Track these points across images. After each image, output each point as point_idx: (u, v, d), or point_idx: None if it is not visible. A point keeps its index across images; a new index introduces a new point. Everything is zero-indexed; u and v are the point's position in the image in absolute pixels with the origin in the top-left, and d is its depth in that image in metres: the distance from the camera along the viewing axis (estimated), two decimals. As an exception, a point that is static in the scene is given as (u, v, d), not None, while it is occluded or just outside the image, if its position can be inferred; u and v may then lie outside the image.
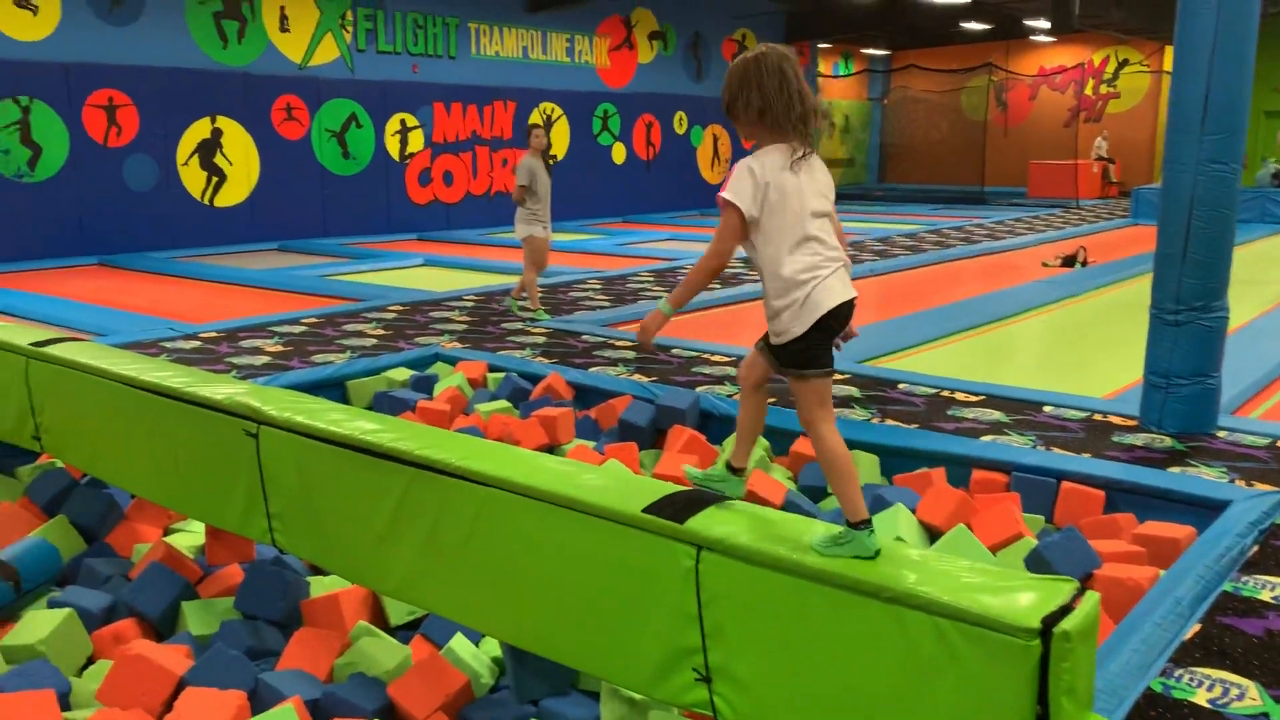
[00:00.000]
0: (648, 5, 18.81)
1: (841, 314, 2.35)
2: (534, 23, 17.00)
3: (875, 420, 5.01)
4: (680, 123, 19.86)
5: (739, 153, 21.40)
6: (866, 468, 4.49)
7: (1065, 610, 1.92)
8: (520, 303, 8.12)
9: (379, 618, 3.49)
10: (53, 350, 4.11)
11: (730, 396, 5.37)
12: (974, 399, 5.42)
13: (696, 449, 4.84)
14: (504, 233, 15.57)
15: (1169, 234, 4.82)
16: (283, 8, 13.63)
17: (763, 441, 4.83)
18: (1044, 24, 20.73)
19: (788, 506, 4.28)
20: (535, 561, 2.60)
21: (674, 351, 6.59)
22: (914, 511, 4.03)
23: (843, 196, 24.22)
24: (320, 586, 3.56)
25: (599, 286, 9.65)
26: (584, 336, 7.10)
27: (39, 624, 3.18)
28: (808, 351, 2.34)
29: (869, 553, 2.14)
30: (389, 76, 14.92)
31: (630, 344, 6.85)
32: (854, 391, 5.56)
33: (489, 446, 2.93)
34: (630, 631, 2.44)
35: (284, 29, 13.67)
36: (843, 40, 25.48)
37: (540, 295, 8.37)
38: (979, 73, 25.16)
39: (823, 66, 25.35)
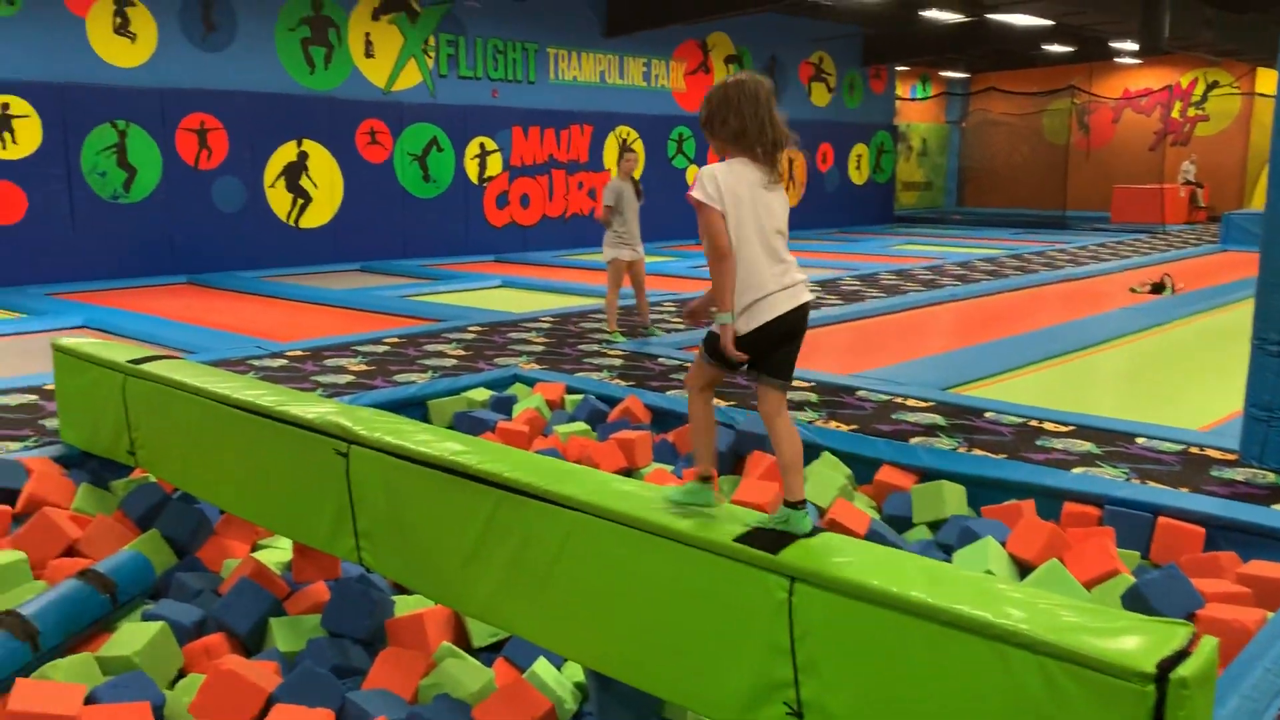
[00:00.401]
0: (724, 29, 18.86)
1: (788, 321, 2.48)
2: (611, 47, 17.15)
3: (962, 450, 4.91)
4: (755, 146, 19.80)
5: (814, 176, 21.30)
6: (953, 499, 4.39)
7: (1181, 655, 1.84)
8: (648, 327, 8.10)
9: (462, 638, 3.50)
10: (148, 368, 4.22)
11: (813, 423, 5.31)
12: (1063, 429, 5.28)
13: (777, 476, 4.78)
14: (579, 254, 15.68)
15: (1273, 264, 4.65)
16: (368, 34, 13.95)
17: (844, 469, 4.77)
18: (1130, 45, 20.31)
19: (871, 536, 4.20)
20: (623, 587, 2.58)
21: (752, 376, 6.54)
22: (1003, 545, 3.93)
23: (919, 220, 23.97)
24: (404, 606, 3.58)
25: (674, 309, 9.64)
26: (660, 359, 7.09)
27: (134, 636, 3.24)
28: (746, 350, 2.47)
29: (805, 529, 2.35)
30: (469, 101, 15.16)
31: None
32: (939, 420, 5.45)
33: (577, 471, 2.93)
34: (719, 662, 2.41)
35: (369, 55, 13.98)
36: (921, 63, 25.25)
37: (618, 317, 8.37)
38: (1061, 95, 24.73)
39: (900, 89, 25.15)
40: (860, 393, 6.09)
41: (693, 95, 18.69)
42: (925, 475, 4.61)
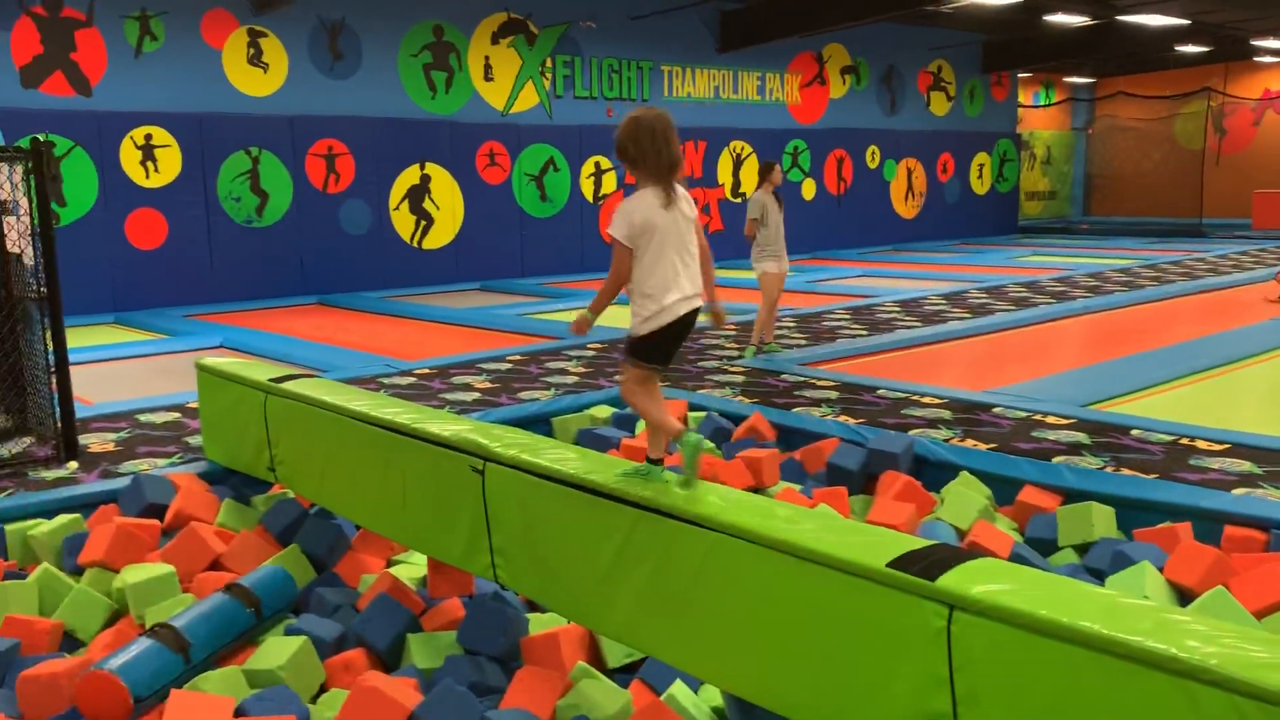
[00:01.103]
0: (840, 40, 18.64)
1: (685, 323, 2.97)
2: (725, 62, 17.12)
3: (1109, 469, 4.67)
4: (873, 157, 19.52)
5: (934, 186, 20.84)
6: (1102, 521, 4.17)
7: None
8: (770, 343, 8.02)
9: (596, 658, 3.46)
10: (288, 386, 4.32)
11: (948, 441, 5.13)
12: (1218, 447, 4.99)
13: (912, 496, 4.63)
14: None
15: None
16: (487, 58, 14.23)
17: (984, 489, 4.59)
18: (1273, 44, 19.32)
19: (1014, 559, 4.02)
20: (766, 611, 2.50)
21: (880, 393, 6.38)
22: (1161, 570, 3.71)
23: (1044, 230, 23.21)
24: (538, 624, 3.57)
25: (794, 324, 9.51)
26: (783, 376, 6.98)
27: (278, 650, 3.30)
28: (646, 349, 2.97)
29: (662, 481, 2.83)
30: (585, 121, 15.32)
31: (833, 384, 6.67)
32: (1082, 438, 5.21)
33: (715, 490, 2.86)
34: (870, 691, 2.31)
35: (488, 78, 14.26)
36: (1044, 68, 24.50)
37: (734, 332, 8.27)
38: (1195, 98, 23.67)
39: (1022, 96, 24.44)
40: (996, 409, 5.87)
41: (808, 108, 18.52)
42: (1070, 496, 4.41)
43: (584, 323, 3.15)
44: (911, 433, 5.36)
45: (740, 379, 6.90)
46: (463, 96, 14.05)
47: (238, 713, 2.94)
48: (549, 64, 14.92)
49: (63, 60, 10.85)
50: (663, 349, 2.99)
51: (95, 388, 7.31)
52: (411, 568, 4.20)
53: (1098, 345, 8.62)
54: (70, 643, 3.71)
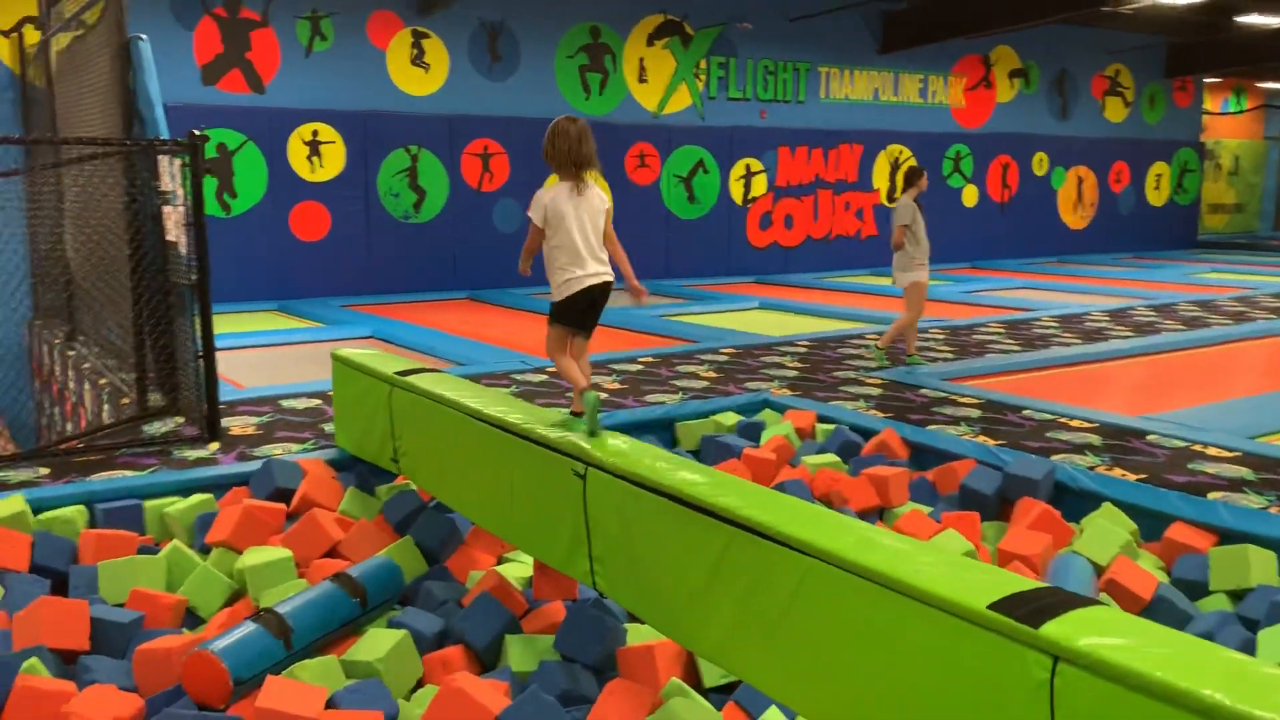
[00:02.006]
0: (1009, 42, 17.90)
1: (591, 294, 3.70)
2: (886, 64, 16.68)
3: (1275, 510, 4.26)
4: (1040, 164, 18.67)
5: (1106, 196, 19.78)
6: (1261, 566, 3.80)
7: None
8: (912, 355, 7.79)
9: (692, 675, 3.37)
10: (412, 380, 4.38)
11: (1093, 469, 4.80)
12: (1407, 492, 4.48)
13: (1049, 526, 4.35)
14: (840, 276, 15.30)
15: None
16: (641, 59, 14.27)
17: (1128, 523, 4.26)
18: None
19: (1157, 602, 3.72)
20: (859, 645, 2.35)
21: (1025, 413, 6.03)
22: (1326, 627, 3.34)
23: (1226, 246, 21.72)
24: (637, 635, 3.49)
25: (942, 337, 9.15)
26: (923, 390, 6.70)
27: (378, 642, 3.33)
28: (560, 312, 3.73)
29: (578, 431, 3.36)
30: (737, 122, 15.18)
31: (976, 401, 6.36)
32: (1246, 473, 4.78)
33: (817, 512, 2.72)
34: (966, 740, 2.13)
35: (641, 80, 14.30)
36: (1235, 73, 22.89)
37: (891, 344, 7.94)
38: None
39: (1209, 102, 22.91)
40: (1151, 437, 5.46)
41: (973, 111, 17.85)
42: (1226, 537, 4.04)
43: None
44: (1055, 458, 5.04)
45: (876, 392, 6.65)
46: (616, 98, 14.14)
47: (329, 703, 2.98)
48: (703, 65, 14.85)
49: (239, 59, 11.45)
50: (574, 313, 3.73)
51: (248, 372, 7.65)
52: (520, 566, 4.20)
53: (1277, 372, 7.95)
54: (192, 619, 3.86)
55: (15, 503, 4.16)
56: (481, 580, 3.84)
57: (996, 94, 18.11)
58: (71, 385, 7.68)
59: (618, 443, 3.28)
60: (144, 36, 5.71)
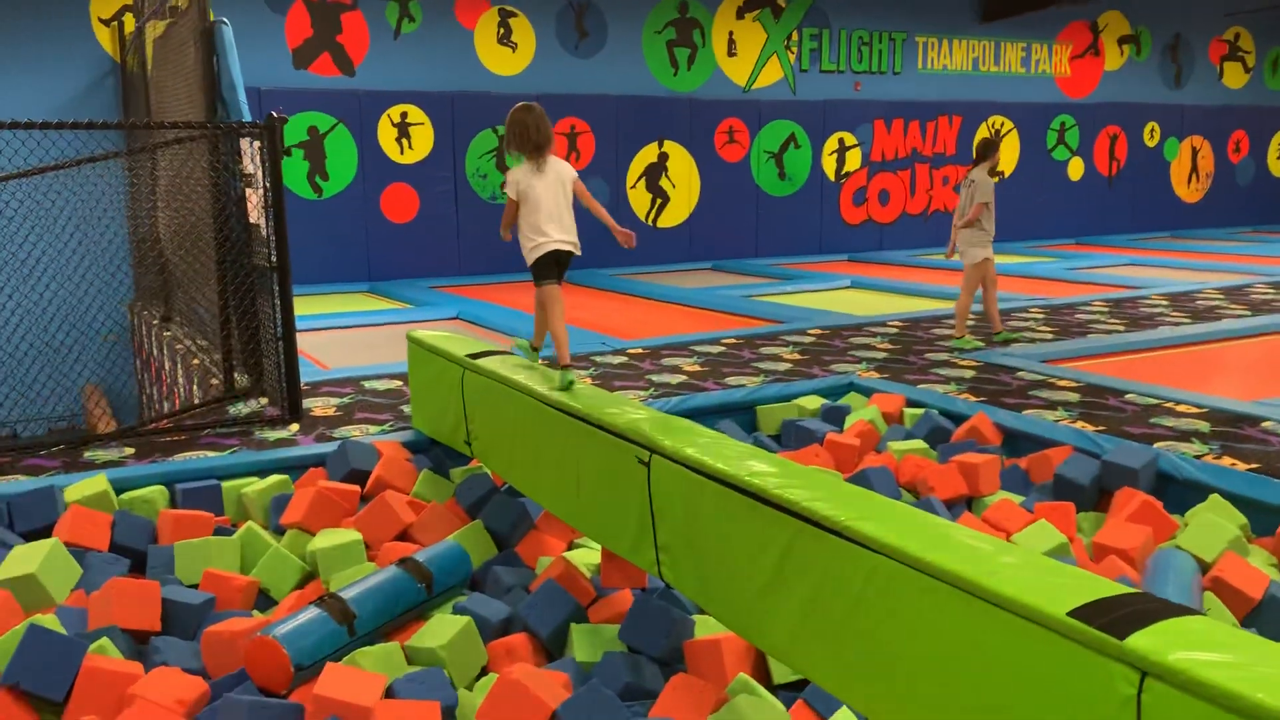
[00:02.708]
0: (1119, 7, 17.09)
1: (557, 254, 4.24)
2: (987, 33, 16.08)
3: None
4: (1151, 134, 17.83)
5: (1223, 167, 18.80)
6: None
7: None
8: (1003, 332, 7.59)
9: (762, 671, 3.24)
10: (482, 362, 4.33)
11: (1201, 458, 4.50)
12: None
13: (1150, 518, 4.08)
14: (937, 254, 14.84)
15: None
16: (731, 33, 14.02)
17: (1238, 516, 3.98)
18: None
19: (1269, 602, 3.46)
20: (929, 649, 2.19)
21: (1128, 397, 5.71)
22: None
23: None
24: (705, 627, 3.38)
25: (1042, 316, 8.77)
26: (1019, 373, 6.40)
27: (442, 629, 3.29)
28: (536, 270, 4.28)
29: (533, 362, 4.37)
30: (830, 95, 14.83)
31: (1075, 384, 6.05)
32: (1371, 463, 4.43)
33: (889, 506, 2.56)
34: (1045, 757, 1.96)
35: (731, 54, 14.06)
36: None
37: (972, 323, 7.71)
38: None
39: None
40: (1266, 424, 5.11)
41: (1079, 81, 17.12)
42: (1349, 533, 3.73)
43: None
44: (1158, 445, 4.74)
45: (969, 375, 6.39)
46: (704, 73, 13.92)
47: (388, 692, 2.93)
48: (795, 37, 14.53)
49: (329, 42, 11.59)
50: (546, 269, 4.26)
51: (335, 352, 7.75)
52: (589, 553, 4.11)
53: None
54: (265, 601, 3.88)
55: (98, 482, 4.24)
56: (549, 568, 3.77)
57: (1105, 62, 17.33)
58: (167, 366, 7.89)
59: (682, 428, 3.15)
60: (226, 20, 5.76)
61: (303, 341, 8.26)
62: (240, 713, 2.74)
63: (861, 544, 2.36)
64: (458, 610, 3.50)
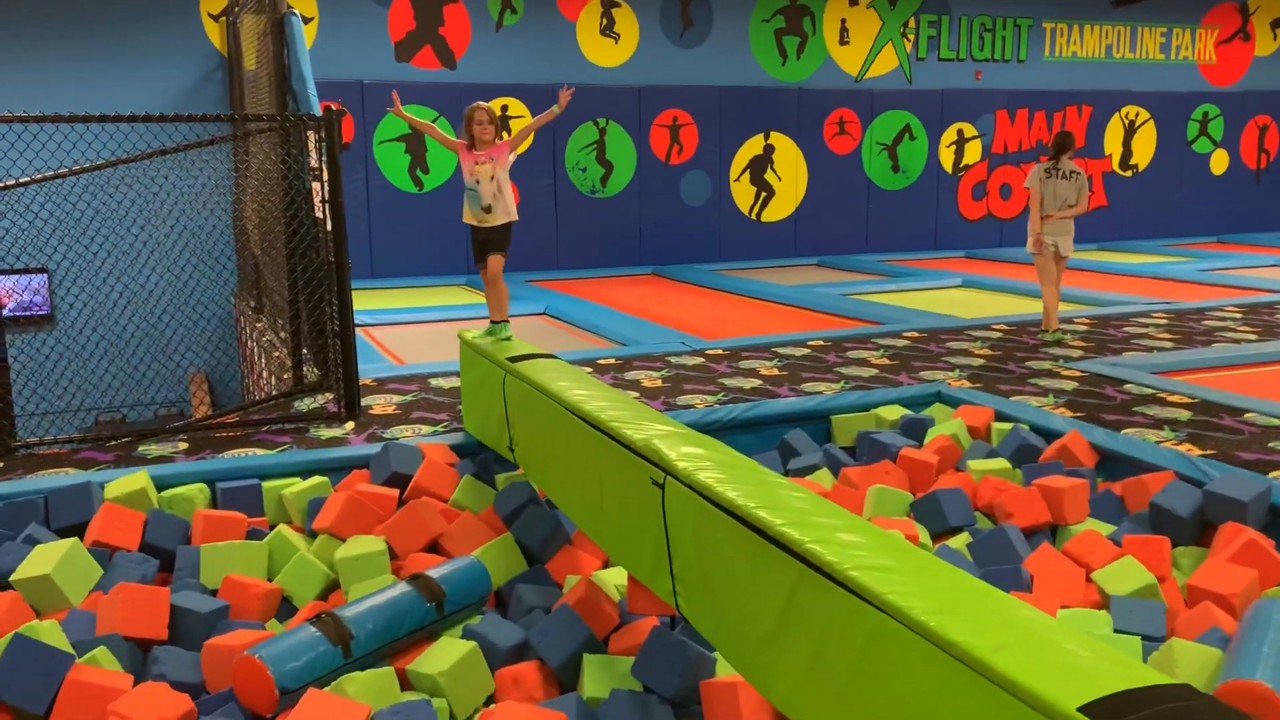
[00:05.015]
0: (1272, -13, 15.84)
1: (482, 232, 5.03)
2: (1122, 18, 15.10)
3: None
4: (1306, 125, 16.49)
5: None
6: None
7: None
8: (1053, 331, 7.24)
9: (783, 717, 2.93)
10: (520, 367, 4.13)
11: (1316, 493, 3.97)
12: None
13: (1256, 559, 3.62)
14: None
15: None
16: (843, 20, 13.51)
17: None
18: None
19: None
20: (933, 726, 1.87)
21: (1248, 416, 5.14)
22: None
23: None
24: (726, 666, 3.09)
25: (1164, 322, 8.10)
26: (1127, 386, 5.86)
27: (445, 654, 3.10)
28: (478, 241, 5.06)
29: (505, 336, 4.84)
30: (948, 85, 14.14)
31: (1188, 400, 5.49)
32: None
33: (909, 553, 2.24)
34: None
35: (843, 42, 13.54)
36: None
37: (1085, 328, 7.18)
38: None
39: None
40: (1406, 452, 4.50)
41: (1225, 68, 15.94)
42: None
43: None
44: (1274, 474, 4.21)
45: (1070, 386, 5.88)
46: (815, 62, 13.44)
47: (370, 723, 2.75)
48: (912, 24, 13.91)
49: (431, 35, 11.59)
50: (475, 249, 5.07)
51: (417, 347, 7.69)
52: (622, 573, 3.86)
53: None
54: (287, 609, 3.76)
55: (139, 479, 4.20)
56: (570, 590, 3.55)
57: (1255, 47, 16.08)
58: (256, 356, 7.97)
59: (695, 448, 2.87)
60: (297, 12, 5.70)
61: (385, 336, 8.26)
62: (211, 739, 2.59)
63: (865, 599, 2.05)
64: (467, 634, 3.31)
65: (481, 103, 4.85)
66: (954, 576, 2.15)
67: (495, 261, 5.02)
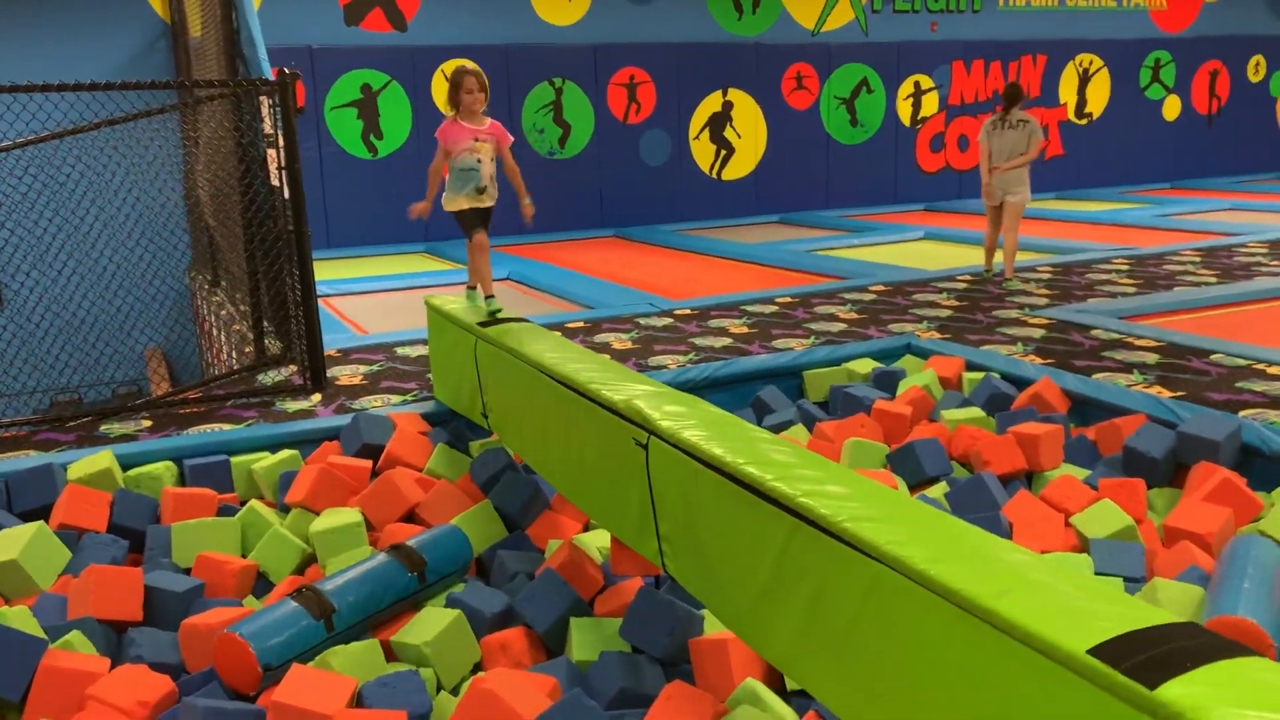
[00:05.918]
0: (1220, -69, 15.93)
1: (475, 210, 4.56)
2: (1074, -35, 15.13)
3: None
4: (1256, 69, 16.66)
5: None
6: None
7: None
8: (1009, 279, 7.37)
9: (775, 673, 2.93)
10: (491, 331, 4.06)
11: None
12: None
13: (1231, 498, 3.65)
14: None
15: None
16: (798, -26, 13.41)
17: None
18: None
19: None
20: (933, 675, 1.86)
21: (1214, 358, 5.20)
22: None
23: None
24: (714, 624, 3.08)
25: (1126, 267, 8.17)
26: (1094, 332, 5.91)
27: (430, 624, 3.06)
28: (461, 221, 4.60)
29: (478, 304, 4.64)
30: (904, 37, 14.11)
31: (1155, 343, 5.55)
32: None
33: (900, 502, 2.22)
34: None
35: (798, -5, 13.44)
36: None
37: (1048, 276, 7.24)
38: None
39: None
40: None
41: (1175, 14, 16.03)
42: None
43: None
44: (1243, 414, 4.26)
45: (1039, 334, 5.91)
46: (770, 17, 13.33)
47: (358, 697, 2.71)
48: (867, -23, 13.83)
49: (381, -2, 11.35)
50: (469, 221, 4.55)
51: (378, 317, 7.57)
52: (605, 535, 3.83)
53: None
54: (264, 586, 3.69)
55: (103, 459, 4.09)
56: (553, 554, 3.51)
57: (1206, -8, 16.20)
58: (214, 331, 7.81)
59: (677, 407, 2.83)
60: (243, -27, 5.52)
61: (347, 305, 8.13)
62: (196, 719, 2.54)
63: (862, 550, 2.03)
64: (451, 601, 3.27)
65: (468, 64, 4.52)
66: (947, 523, 2.13)
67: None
